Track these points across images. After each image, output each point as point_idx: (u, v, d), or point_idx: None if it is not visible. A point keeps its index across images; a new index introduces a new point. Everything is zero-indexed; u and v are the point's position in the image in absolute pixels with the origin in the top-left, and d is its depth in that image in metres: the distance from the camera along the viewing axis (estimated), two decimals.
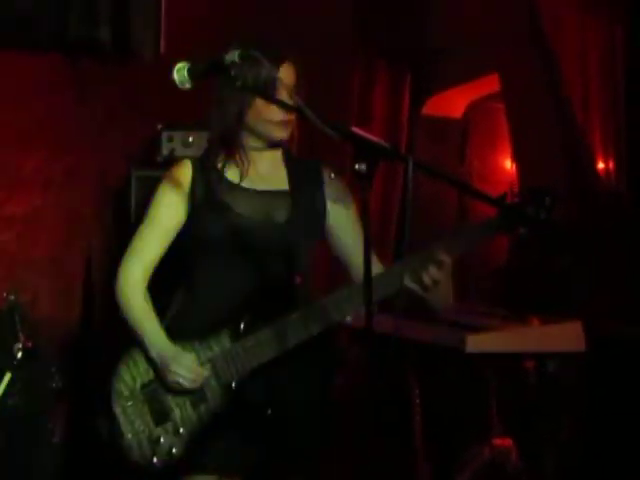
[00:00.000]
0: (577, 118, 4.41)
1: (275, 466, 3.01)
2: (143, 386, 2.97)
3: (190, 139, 4.51)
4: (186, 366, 2.88)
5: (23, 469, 3.90)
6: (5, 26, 4.69)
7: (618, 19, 4.50)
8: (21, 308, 3.87)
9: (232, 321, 2.93)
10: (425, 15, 5.39)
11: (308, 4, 5.18)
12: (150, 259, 3.03)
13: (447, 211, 5.67)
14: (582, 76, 4.44)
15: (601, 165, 4.45)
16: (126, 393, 2.97)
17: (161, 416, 2.94)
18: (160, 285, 3.07)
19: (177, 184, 3.02)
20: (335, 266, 3.30)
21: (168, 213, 3.02)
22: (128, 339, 3.01)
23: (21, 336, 3.78)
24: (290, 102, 2.84)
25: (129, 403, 2.96)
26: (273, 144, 3.03)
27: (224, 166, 3.03)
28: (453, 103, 5.69)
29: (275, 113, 2.93)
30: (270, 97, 2.82)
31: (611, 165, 4.43)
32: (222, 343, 2.92)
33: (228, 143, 3.01)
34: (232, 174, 3.02)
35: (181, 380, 2.87)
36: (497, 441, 4.19)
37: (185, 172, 3.03)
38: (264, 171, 3.05)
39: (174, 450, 2.92)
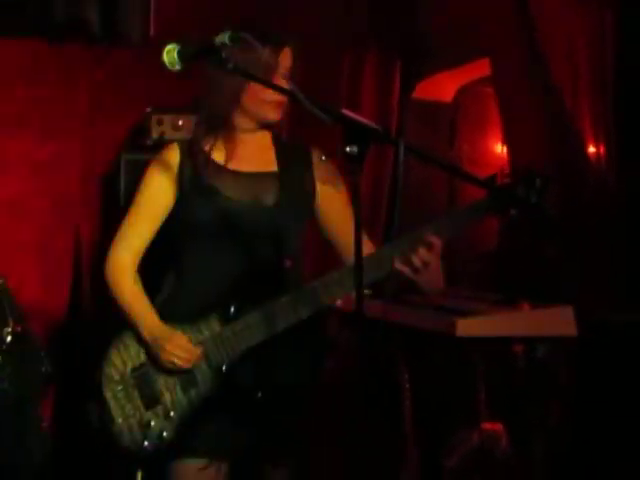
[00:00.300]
0: (566, 103, 4.40)
1: (265, 449, 3.01)
2: (133, 370, 2.98)
3: (180, 122, 4.49)
4: (180, 345, 2.89)
5: (12, 454, 3.88)
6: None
7: (607, 4, 4.50)
8: (9, 292, 3.85)
9: (222, 305, 2.94)
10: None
11: None
12: (139, 243, 3.04)
13: (437, 195, 5.66)
14: (571, 61, 4.43)
15: (591, 149, 4.45)
16: (116, 377, 2.97)
17: (151, 400, 2.95)
18: (149, 269, 3.07)
19: (165, 168, 3.02)
20: (324, 250, 3.29)
21: (156, 197, 3.03)
22: (117, 323, 3.01)
23: (10, 320, 3.76)
24: (281, 85, 2.84)
25: (119, 387, 2.97)
26: (264, 125, 3.03)
27: (212, 149, 3.02)
28: (443, 87, 5.68)
29: (272, 93, 2.93)
30: (261, 80, 2.81)
31: (601, 149, 4.42)
32: (212, 327, 2.93)
33: (217, 125, 3.01)
34: (220, 156, 3.03)
35: (175, 359, 2.88)
36: (486, 426, 4.20)
37: (173, 156, 3.03)
38: (252, 153, 3.05)
39: (165, 434, 2.93)
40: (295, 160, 3.09)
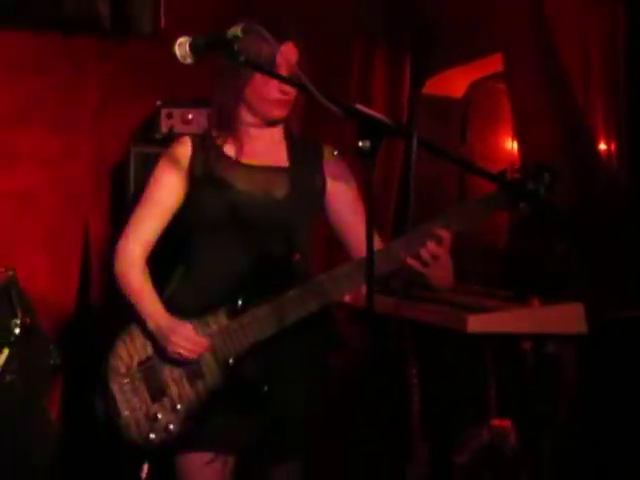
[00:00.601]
0: (578, 99, 4.38)
1: (271, 443, 3.01)
2: (140, 363, 2.97)
3: (190, 116, 4.48)
4: (186, 336, 2.88)
5: (20, 446, 3.89)
6: (1, 4, 4.66)
7: (620, 1, 4.48)
8: (18, 284, 3.85)
9: (230, 298, 2.92)
10: None
11: None
12: (148, 237, 3.04)
13: (447, 190, 5.65)
14: (583, 57, 4.41)
15: (603, 147, 4.43)
16: (122, 370, 2.97)
17: (158, 393, 2.95)
18: (159, 262, 3.06)
19: (176, 162, 3.02)
20: (332, 245, 3.29)
21: (167, 191, 3.03)
22: (125, 316, 3.01)
23: (19, 312, 3.76)
24: (293, 78, 2.83)
25: (125, 380, 2.97)
26: (271, 122, 3.02)
27: (223, 142, 3.02)
28: (454, 83, 5.66)
29: (272, 91, 2.93)
30: (272, 73, 2.81)
31: (613, 147, 4.41)
32: (219, 320, 2.93)
33: (227, 119, 3.00)
34: (231, 150, 3.02)
35: (182, 350, 2.88)
36: (496, 422, 4.19)
37: (184, 149, 3.03)
38: (263, 148, 3.05)
39: (171, 427, 2.93)
40: (306, 156, 3.09)
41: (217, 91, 2.99)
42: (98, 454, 3.82)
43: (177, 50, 2.66)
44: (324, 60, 3.61)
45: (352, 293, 3.19)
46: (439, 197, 5.54)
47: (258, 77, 2.92)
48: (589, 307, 3.67)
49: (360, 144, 2.34)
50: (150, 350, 2.97)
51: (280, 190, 3.01)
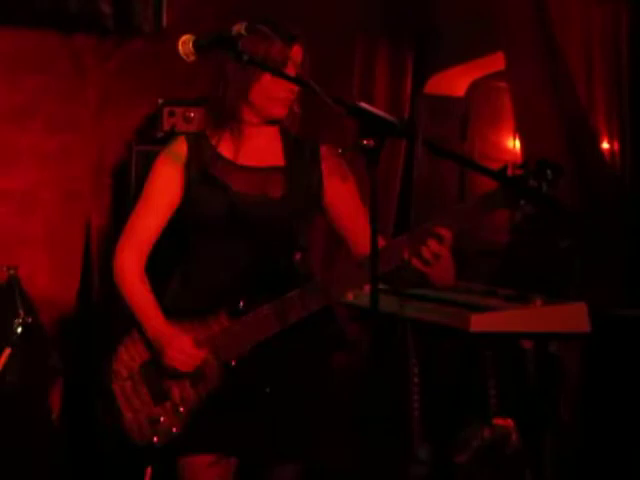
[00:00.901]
0: (581, 98, 4.37)
1: (273, 445, 2.99)
2: (142, 366, 2.95)
3: (191, 114, 4.49)
4: (181, 350, 2.86)
5: (20, 446, 3.88)
6: (3, 1, 4.66)
7: None
8: (20, 283, 3.84)
9: (231, 299, 2.91)
10: None
11: None
12: (147, 239, 3.01)
13: (448, 188, 5.65)
14: (586, 55, 4.40)
15: (605, 146, 4.42)
16: (124, 373, 2.95)
17: (160, 395, 2.93)
18: (158, 264, 3.05)
19: (172, 161, 3.00)
20: (333, 243, 3.28)
21: (164, 192, 3.00)
22: (126, 317, 2.99)
23: (21, 311, 3.75)
24: (300, 79, 2.82)
25: (127, 383, 2.95)
26: (271, 121, 3.01)
27: (220, 142, 3.01)
28: (455, 82, 5.66)
29: (279, 90, 2.92)
30: (278, 72, 2.79)
31: (616, 146, 4.40)
32: (221, 321, 2.91)
33: (226, 118, 2.99)
34: (227, 150, 3.00)
35: (176, 364, 2.86)
36: (497, 421, 4.18)
37: (180, 149, 3.01)
38: (260, 147, 3.03)
39: (174, 429, 2.91)
40: (303, 154, 3.07)
41: (219, 89, 2.97)
42: (100, 456, 3.80)
43: (180, 48, 2.65)
44: (326, 59, 3.61)
45: (354, 292, 3.18)
46: (440, 195, 5.54)
47: (266, 76, 2.90)
48: (592, 306, 3.66)
49: (364, 142, 2.33)
50: (151, 353, 2.95)
51: (277, 190, 2.99)
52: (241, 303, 2.90)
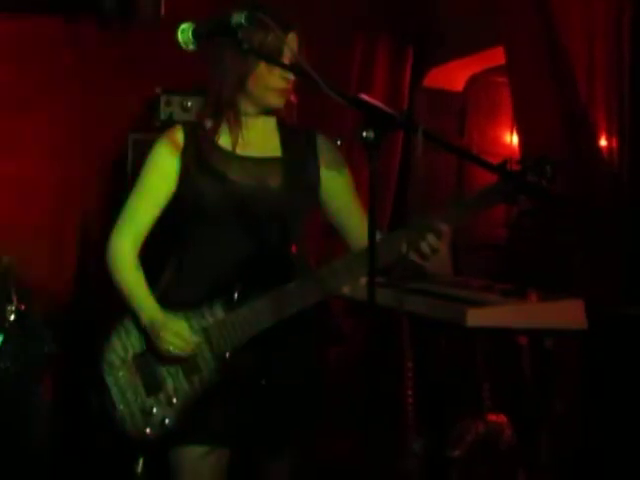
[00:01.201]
0: (580, 93, 4.36)
1: (267, 437, 2.98)
2: (135, 356, 2.94)
3: (189, 103, 4.48)
4: (176, 332, 2.85)
5: (12, 432, 3.87)
6: None
7: None
8: (15, 270, 3.83)
9: (226, 290, 2.89)
10: None
11: None
12: (141, 227, 3.00)
13: (445, 181, 5.64)
14: (587, 50, 4.37)
15: (604, 142, 4.40)
16: (118, 363, 2.94)
17: (154, 387, 2.92)
18: (152, 254, 3.03)
19: (168, 150, 2.98)
20: (329, 235, 3.26)
21: (159, 180, 2.98)
22: (120, 306, 2.98)
23: (14, 298, 3.74)
24: (298, 67, 2.80)
25: (121, 373, 2.93)
26: (268, 111, 2.99)
27: (217, 131, 2.99)
28: (454, 76, 5.65)
29: (277, 80, 2.91)
30: (279, 62, 2.78)
31: (614, 143, 4.38)
32: (215, 313, 2.89)
33: (223, 107, 2.97)
34: (225, 140, 2.99)
35: (171, 347, 2.84)
36: (491, 417, 4.17)
37: (177, 138, 2.99)
38: (257, 138, 3.01)
39: (167, 421, 2.90)
40: (300, 145, 3.06)
41: (217, 78, 2.95)
42: (93, 446, 3.79)
43: (179, 36, 2.63)
44: (325, 50, 3.58)
45: (351, 285, 3.16)
46: (437, 187, 5.53)
47: (263, 66, 2.89)
48: (589, 302, 3.65)
49: (364, 134, 2.31)
50: (145, 343, 2.94)
51: (274, 180, 2.97)
52: (236, 294, 2.88)
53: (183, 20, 2.66)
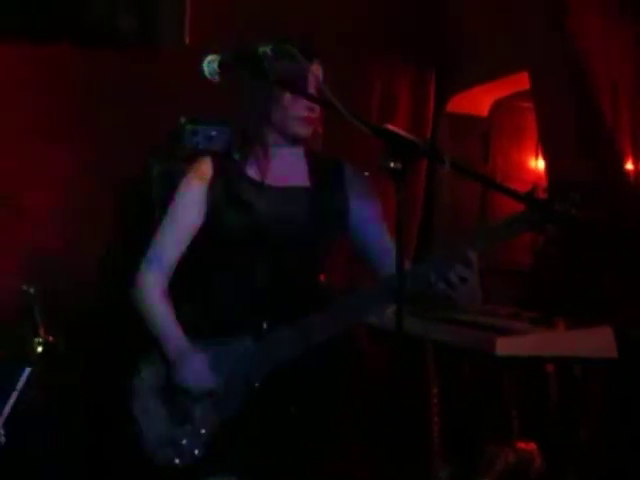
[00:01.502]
0: (606, 118, 4.34)
1: (296, 466, 2.97)
2: (164, 387, 2.94)
3: (213, 133, 4.47)
4: (196, 366, 2.85)
5: (39, 464, 3.87)
6: (22, 18, 4.66)
7: None
8: (40, 302, 3.83)
9: (254, 321, 2.89)
10: (451, 12, 5.34)
11: (331, 3, 5.15)
12: (170, 258, 3.00)
13: (469, 207, 5.62)
14: (611, 76, 4.36)
15: (630, 167, 4.38)
16: (146, 393, 2.94)
17: (182, 417, 2.91)
18: (180, 285, 3.03)
19: (198, 182, 2.99)
20: (354, 263, 3.26)
21: (188, 212, 2.99)
22: (146, 336, 2.97)
23: (41, 330, 3.74)
24: (322, 97, 2.80)
25: (149, 403, 2.93)
26: (295, 141, 2.99)
27: (244, 162, 2.99)
28: (478, 101, 5.64)
29: (302, 110, 2.91)
30: (302, 92, 2.78)
31: None
32: (245, 343, 2.89)
33: (251, 138, 2.97)
34: (252, 171, 2.99)
35: (189, 384, 2.86)
36: (521, 445, 4.14)
37: (206, 169, 3.00)
38: (285, 168, 3.01)
39: (196, 451, 2.89)
40: (328, 175, 3.05)
41: (243, 110, 2.96)
42: (119, 475, 3.78)
43: (205, 68, 2.64)
44: (347, 77, 3.59)
45: (377, 314, 3.15)
46: (462, 214, 5.51)
47: (287, 96, 2.89)
48: (619, 326, 3.63)
49: (391, 165, 2.30)
50: (171, 376, 2.93)
51: (302, 211, 2.97)
52: (265, 325, 2.88)
53: (207, 49, 2.67)
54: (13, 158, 4.72)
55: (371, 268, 3.09)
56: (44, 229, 4.74)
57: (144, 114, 4.86)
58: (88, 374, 4.10)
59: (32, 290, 3.85)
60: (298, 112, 2.92)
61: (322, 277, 3.03)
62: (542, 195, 2.78)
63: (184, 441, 2.89)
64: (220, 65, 2.60)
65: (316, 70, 2.91)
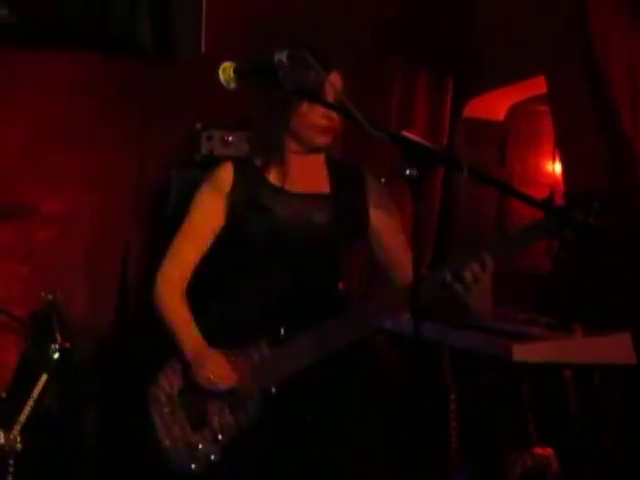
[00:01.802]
0: (625, 123, 4.30)
1: (312, 473, 2.96)
2: (181, 392, 2.95)
3: (229, 139, 4.48)
4: (217, 363, 2.86)
5: (55, 472, 3.87)
6: (42, 25, 4.68)
7: None
8: (59, 308, 3.84)
9: (272, 327, 2.89)
10: (468, 16, 5.32)
11: (347, 7, 5.14)
12: (188, 262, 3.01)
13: (486, 213, 5.60)
14: (631, 80, 4.32)
15: None
16: (163, 399, 2.94)
17: (199, 422, 2.92)
18: (198, 291, 3.03)
19: (218, 187, 2.99)
20: (371, 270, 3.25)
21: (208, 216, 3.00)
22: (164, 342, 2.98)
23: (58, 337, 3.75)
24: (340, 106, 2.80)
25: (166, 409, 2.94)
26: (315, 149, 2.99)
27: (265, 168, 2.99)
28: (495, 105, 5.62)
29: (320, 118, 2.91)
30: (319, 100, 2.78)
31: None
32: (262, 350, 2.89)
33: (272, 147, 2.98)
34: (273, 177, 2.99)
35: (212, 377, 2.86)
36: (538, 450, 4.13)
37: (226, 174, 3.00)
38: (306, 174, 3.02)
39: (212, 457, 2.89)
40: (348, 182, 3.06)
41: (262, 118, 2.97)
42: None
43: (221, 75, 2.64)
44: (364, 82, 3.58)
45: (394, 319, 3.16)
46: (479, 220, 5.49)
47: (305, 105, 2.89)
48: (637, 334, 3.61)
49: (408, 172, 2.30)
50: (190, 378, 2.93)
51: (322, 217, 2.98)
52: (282, 331, 2.88)
53: (224, 56, 2.67)
54: (30, 162, 4.74)
55: (388, 276, 3.09)
56: (62, 234, 4.75)
57: (162, 120, 4.87)
58: (105, 382, 4.09)
59: (51, 296, 3.85)
60: (317, 121, 2.92)
61: (341, 285, 3.03)
62: (560, 201, 2.78)
63: (200, 446, 2.89)
64: (235, 73, 2.60)
65: (335, 79, 2.91)
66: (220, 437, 2.89)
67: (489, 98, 5.53)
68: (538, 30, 4.72)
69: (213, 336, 2.94)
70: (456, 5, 5.38)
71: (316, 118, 2.91)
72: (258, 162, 3.01)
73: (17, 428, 3.65)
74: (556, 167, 5.37)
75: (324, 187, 3.03)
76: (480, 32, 5.26)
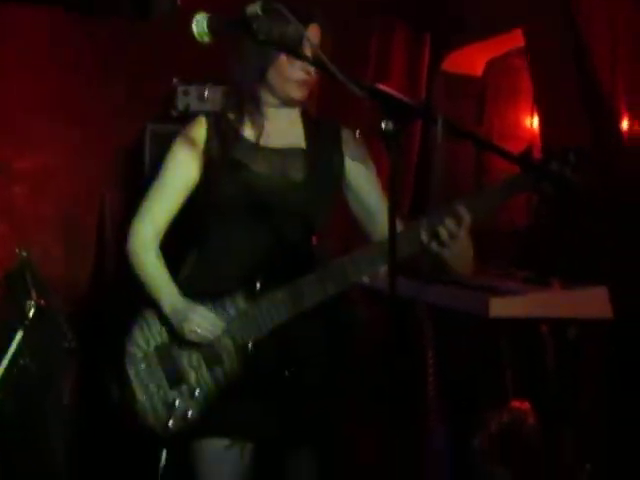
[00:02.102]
0: (602, 73, 4.29)
1: (290, 429, 2.96)
2: (157, 348, 2.93)
3: (206, 93, 4.46)
4: (204, 315, 2.84)
5: (33, 430, 3.86)
6: None
7: None
8: (33, 265, 3.81)
9: (247, 281, 2.87)
10: None
11: None
12: (162, 218, 2.99)
13: (464, 169, 5.59)
14: (610, 28, 4.30)
15: (626, 124, 4.34)
16: (139, 356, 2.93)
17: (176, 379, 2.91)
18: (173, 247, 3.02)
19: (191, 142, 2.97)
20: (350, 226, 3.24)
21: (181, 172, 2.98)
22: (141, 299, 2.96)
23: (33, 294, 3.72)
24: (317, 60, 2.77)
25: (142, 366, 2.92)
26: (290, 103, 2.97)
27: (240, 122, 2.97)
28: (473, 60, 5.60)
29: (297, 72, 2.89)
30: (295, 53, 2.75)
31: (637, 125, 4.32)
32: (237, 304, 2.88)
33: (245, 100, 2.95)
34: (248, 131, 2.98)
35: (199, 329, 2.83)
36: (514, 404, 4.15)
37: (200, 130, 2.98)
38: (281, 128, 3.00)
39: (189, 413, 2.89)
40: (324, 137, 3.05)
41: (237, 70, 2.93)
42: (115, 439, 3.78)
43: (194, 28, 2.59)
44: (342, 35, 3.53)
45: (371, 275, 3.14)
46: (456, 175, 5.49)
47: (282, 57, 2.86)
48: (615, 289, 3.61)
49: (384, 126, 2.27)
50: (167, 335, 2.93)
51: (297, 172, 2.97)
52: (258, 285, 2.87)
53: (200, 10, 2.63)
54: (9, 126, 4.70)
55: (365, 230, 3.08)
56: (38, 191, 4.72)
57: (141, 76, 4.84)
58: (82, 338, 4.07)
59: (25, 253, 3.82)
60: (293, 74, 2.90)
61: (316, 239, 3.01)
62: (537, 155, 2.76)
63: (177, 403, 2.88)
64: (208, 25, 2.56)
65: (314, 32, 2.88)
66: (197, 393, 2.89)
67: (467, 52, 5.50)
68: None
69: (188, 290, 2.92)
70: None
71: (293, 71, 2.88)
72: (232, 116, 2.98)
73: None
74: (534, 122, 5.37)
75: (299, 142, 3.01)
76: None
